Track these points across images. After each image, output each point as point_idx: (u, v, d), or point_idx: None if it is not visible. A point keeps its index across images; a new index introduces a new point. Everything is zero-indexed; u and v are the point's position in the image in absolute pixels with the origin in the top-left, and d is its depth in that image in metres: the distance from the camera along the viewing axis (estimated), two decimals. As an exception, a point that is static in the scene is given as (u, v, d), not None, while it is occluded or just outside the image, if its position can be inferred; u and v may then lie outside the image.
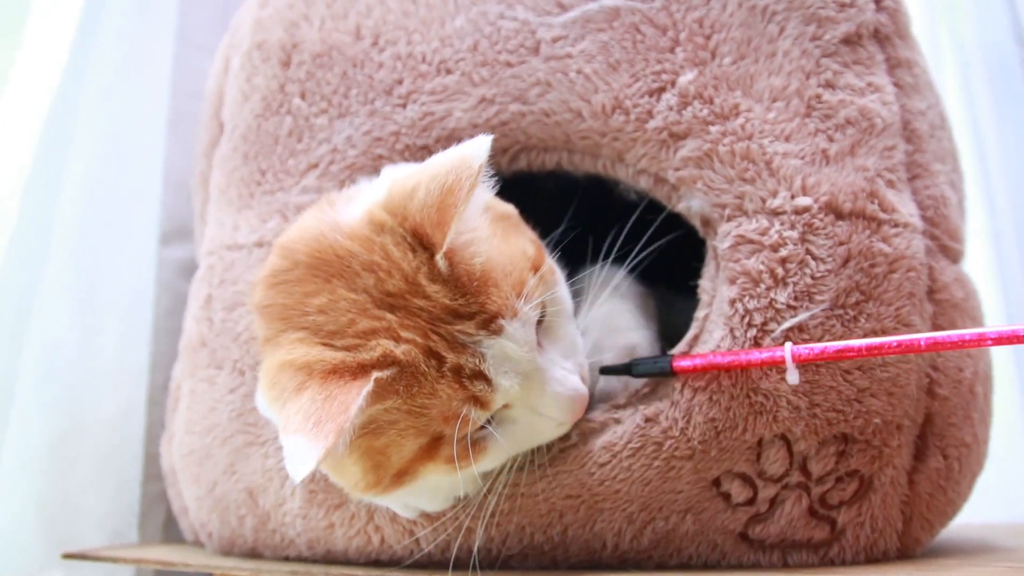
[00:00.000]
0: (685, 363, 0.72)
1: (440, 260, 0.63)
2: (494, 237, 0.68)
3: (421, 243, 0.64)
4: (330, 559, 0.81)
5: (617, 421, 0.73)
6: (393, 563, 0.78)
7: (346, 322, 0.63)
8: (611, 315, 0.77)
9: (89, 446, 1.10)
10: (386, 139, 0.85)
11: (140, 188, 1.20)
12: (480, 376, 0.63)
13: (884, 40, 0.82)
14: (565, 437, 0.73)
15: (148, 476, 1.12)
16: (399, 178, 0.66)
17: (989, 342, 0.63)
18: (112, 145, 1.19)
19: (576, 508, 0.73)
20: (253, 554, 0.87)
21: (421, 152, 0.83)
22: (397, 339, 0.62)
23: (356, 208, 0.68)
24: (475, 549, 0.73)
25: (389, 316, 0.63)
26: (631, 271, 0.77)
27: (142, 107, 1.22)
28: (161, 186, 1.21)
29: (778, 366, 0.70)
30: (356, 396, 0.58)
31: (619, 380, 0.76)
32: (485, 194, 0.69)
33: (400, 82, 0.85)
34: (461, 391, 0.63)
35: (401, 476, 0.67)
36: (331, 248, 0.65)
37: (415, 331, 0.62)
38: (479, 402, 0.63)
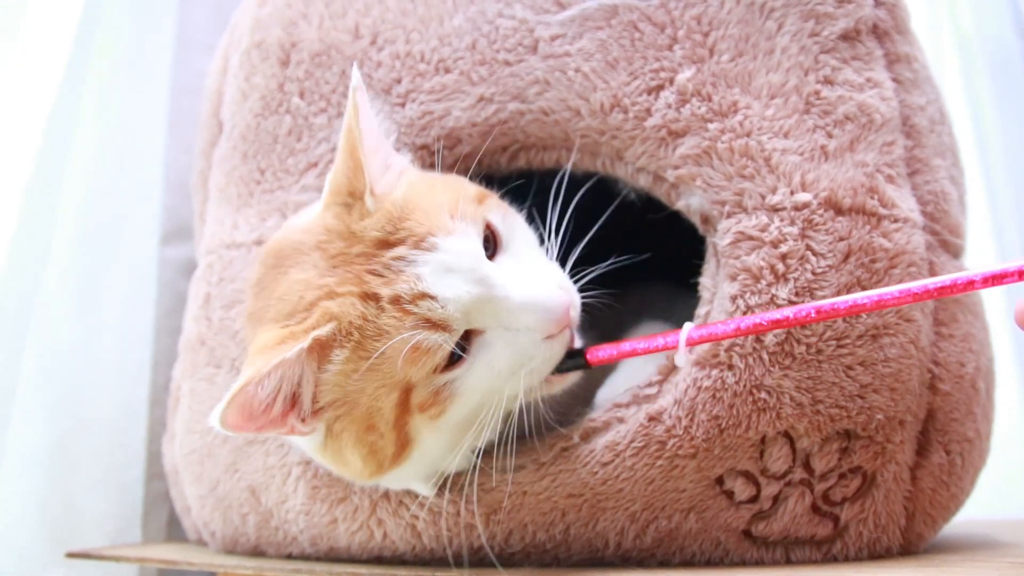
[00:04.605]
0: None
1: (368, 198, 0.66)
2: (425, 181, 0.71)
3: (356, 197, 0.67)
4: (333, 556, 0.81)
5: (620, 420, 0.73)
6: (395, 559, 0.78)
7: (297, 300, 0.65)
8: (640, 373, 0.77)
9: (91, 446, 1.10)
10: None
11: (140, 188, 1.21)
12: (423, 296, 0.63)
13: (883, 36, 0.82)
14: (567, 437, 0.73)
15: (150, 475, 1.12)
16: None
17: (910, 298, 0.60)
18: (112, 144, 1.19)
19: (579, 507, 0.73)
20: (256, 552, 0.87)
21: (420, 151, 0.83)
22: (334, 296, 0.64)
23: (314, 209, 0.72)
24: (485, 541, 0.73)
25: (330, 279, 0.65)
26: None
27: (142, 106, 1.22)
28: (161, 185, 1.22)
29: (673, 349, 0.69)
30: (285, 351, 0.60)
31: (621, 383, 0.76)
32: (402, 160, 0.74)
33: (399, 81, 0.85)
34: (408, 317, 0.62)
35: (399, 451, 0.67)
36: (288, 244, 0.69)
37: (351, 282, 0.64)
38: (432, 323, 0.63)
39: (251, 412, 0.61)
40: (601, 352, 0.69)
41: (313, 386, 0.64)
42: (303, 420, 0.65)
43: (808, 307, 0.63)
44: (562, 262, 0.73)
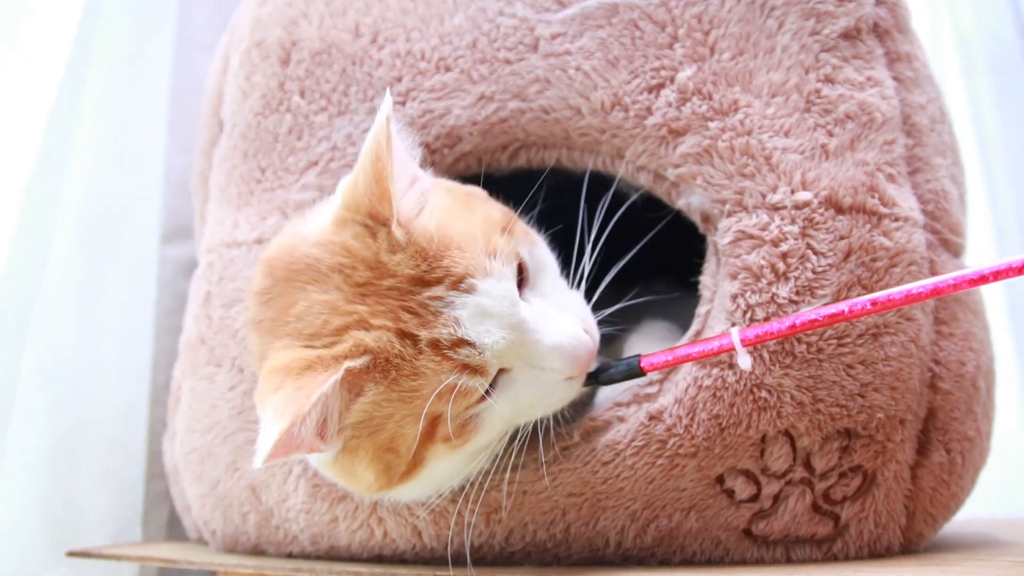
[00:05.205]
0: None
1: (396, 229, 0.64)
2: (452, 205, 0.69)
3: (379, 222, 0.65)
4: (333, 554, 0.81)
5: (621, 419, 0.73)
6: (396, 557, 0.78)
7: (321, 323, 0.64)
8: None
9: (92, 445, 1.10)
10: (386, 136, 0.84)
11: (141, 187, 1.21)
12: (462, 342, 0.63)
13: (883, 34, 0.82)
14: (567, 436, 0.73)
15: (151, 475, 1.12)
16: (347, 179, 0.69)
17: (966, 284, 0.61)
18: (112, 144, 1.19)
19: (579, 506, 0.73)
20: (256, 551, 0.87)
21: (420, 149, 0.83)
22: (368, 328, 0.63)
23: (323, 217, 0.69)
24: (468, 542, 0.73)
25: (360, 308, 0.64)
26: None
27: (142, 106, 1.22)
28: (162, 185, 1.21)
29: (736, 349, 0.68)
30: (322, 383, 0.59)
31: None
32: (427, 177, 0.72)
33: (399, 79, 0.85)
34: (446, 362, 0.63)
35: (411, 469, 0.67)
36: (301, 258, 0.67)
37: (386, 316, 0.63)
38: (470, 368, 0.63)
39: (289, 448, 0.60)
40: (656, 359, 0.69)
41: (340, 412, 0.64)
42: (323, 438, 0.64)
43: (863, 300, 0.62)
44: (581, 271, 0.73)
